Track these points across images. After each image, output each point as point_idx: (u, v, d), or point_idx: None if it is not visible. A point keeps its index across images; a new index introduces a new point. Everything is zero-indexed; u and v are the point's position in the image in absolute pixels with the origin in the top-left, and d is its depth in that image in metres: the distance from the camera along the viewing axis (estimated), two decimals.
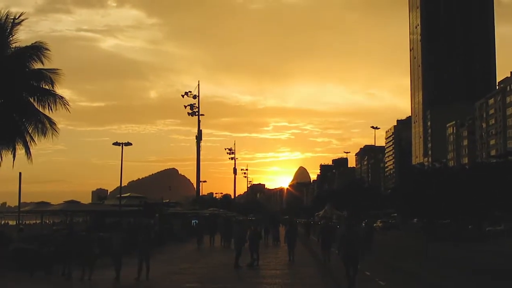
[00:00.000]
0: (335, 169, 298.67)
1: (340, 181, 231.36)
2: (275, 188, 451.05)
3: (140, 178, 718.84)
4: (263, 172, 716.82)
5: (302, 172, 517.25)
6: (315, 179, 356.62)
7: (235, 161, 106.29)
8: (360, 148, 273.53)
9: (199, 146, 69.57)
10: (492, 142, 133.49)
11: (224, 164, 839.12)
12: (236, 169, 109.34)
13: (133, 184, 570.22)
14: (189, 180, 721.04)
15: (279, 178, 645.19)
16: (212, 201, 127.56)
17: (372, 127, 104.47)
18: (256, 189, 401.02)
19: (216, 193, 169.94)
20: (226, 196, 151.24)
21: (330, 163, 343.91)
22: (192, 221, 55.48)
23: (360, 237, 13.77)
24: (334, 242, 24.66)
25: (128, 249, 20.12)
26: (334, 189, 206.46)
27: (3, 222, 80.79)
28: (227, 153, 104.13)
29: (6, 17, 22.21)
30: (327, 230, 25.75)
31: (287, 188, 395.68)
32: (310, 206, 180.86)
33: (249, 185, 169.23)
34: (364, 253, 13.44)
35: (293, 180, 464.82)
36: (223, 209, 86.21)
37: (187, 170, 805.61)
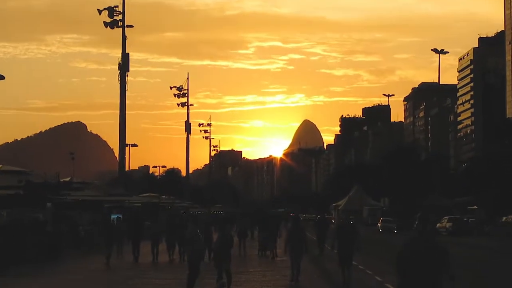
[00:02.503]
0: (367, 126, 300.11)
1: (376, 147, 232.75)
2: (260, 159, 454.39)
3: (19, 139, 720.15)
4: (238, 130, 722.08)
5: (308, 131, 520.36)
6: (332, 143, 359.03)
7: (188, 108, 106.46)
8: (412, 89, 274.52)
9: (125, 83, 69.16)
10: None
11: (169, 115, 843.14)
12: (190, 124, 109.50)
13: (8, 149, 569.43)
14: (106, 142, 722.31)
15: (266, 141, 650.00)
16: (148, 180, 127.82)
17: (435, 50, 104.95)
18: (226, 160, 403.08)
19: (156, 167, 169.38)
20: (173, 172, 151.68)
21: (359, 114, 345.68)
22: (113, 216, 55.77)
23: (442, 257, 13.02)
24: (358, 250, 25.44)
25: None
26: (365, 160, 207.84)
27: None
28: (175, 95, 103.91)
29: None
30: (344, 232, 26.05)
31: (281, 159, 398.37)
32: (322, 190, 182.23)
33: (214, 154, 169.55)
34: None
35: (291, 146, 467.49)
36: (167, 195, 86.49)
37: (103, 125, 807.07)
